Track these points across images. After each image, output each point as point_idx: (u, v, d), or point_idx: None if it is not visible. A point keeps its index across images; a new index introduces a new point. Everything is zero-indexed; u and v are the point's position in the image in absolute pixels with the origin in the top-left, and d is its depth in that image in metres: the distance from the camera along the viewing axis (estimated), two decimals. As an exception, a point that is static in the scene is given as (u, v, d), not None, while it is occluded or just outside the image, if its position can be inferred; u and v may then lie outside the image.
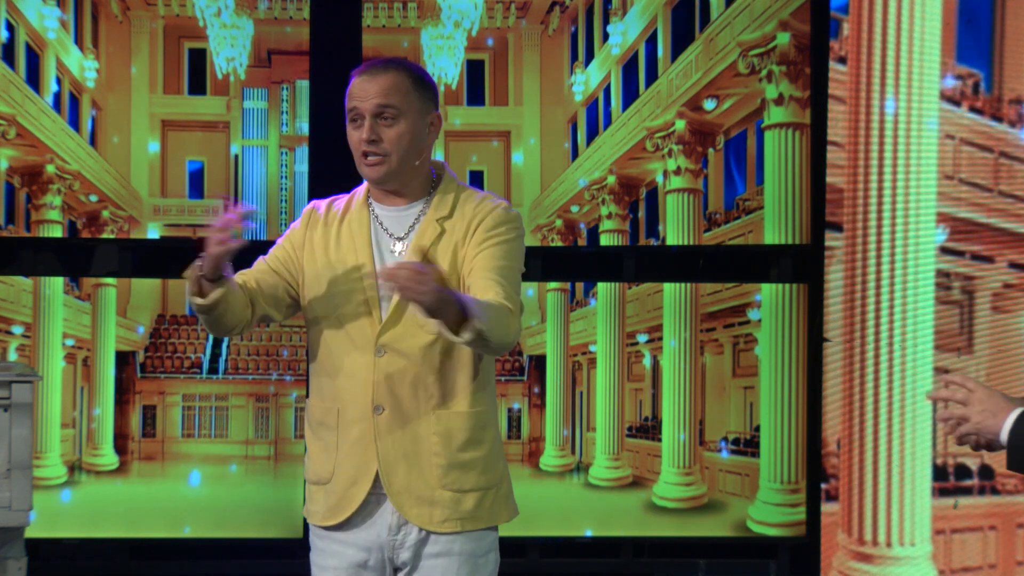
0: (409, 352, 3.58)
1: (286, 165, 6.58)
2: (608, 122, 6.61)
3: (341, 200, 3.74)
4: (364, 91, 3.60)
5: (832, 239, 6.39)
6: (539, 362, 6.64)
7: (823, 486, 6.42)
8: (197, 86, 6.55)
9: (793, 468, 6.54)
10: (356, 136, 3.62)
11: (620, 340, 6.61)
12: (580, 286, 6.65)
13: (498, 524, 3.69)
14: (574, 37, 6.63)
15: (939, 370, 6.36)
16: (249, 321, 3.67)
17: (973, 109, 6.38)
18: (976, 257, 6.41)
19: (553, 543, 6.60)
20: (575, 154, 6.62)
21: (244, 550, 6.55)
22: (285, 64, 6.56)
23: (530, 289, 6.57)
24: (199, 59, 6.53)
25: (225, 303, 3.57)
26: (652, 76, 6.59)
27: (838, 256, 6.39)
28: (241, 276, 3.69)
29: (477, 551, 3.66)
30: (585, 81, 6.62)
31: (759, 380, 6.55)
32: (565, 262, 6.67)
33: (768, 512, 6.55)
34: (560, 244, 6.63)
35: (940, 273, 6.38)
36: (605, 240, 6.63)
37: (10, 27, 6.40)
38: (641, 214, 6.63)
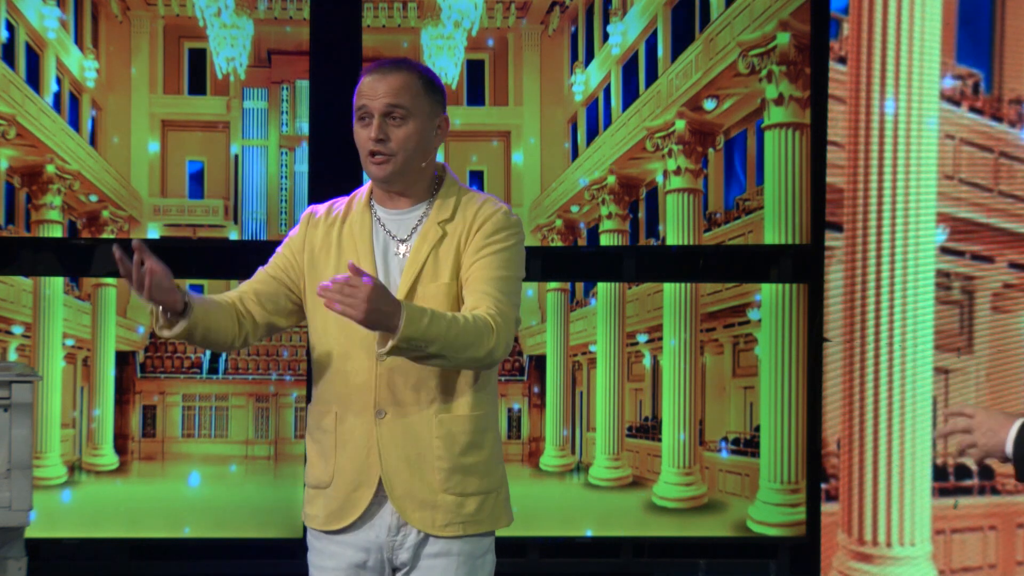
0: (411, 355, 3.58)
1: (286, 165, 6.58)
2: (608, 122, 6.61)
3: (340, 202, 3.73)
4: (374, 90, 3.59)
5: (832, 239, 6.39)
6: (539, 362, 6.64)
7: (823, 486, 6.42)
8: (197, 86, 6.54)
9: (793, 468, 6.54)
10: (364, 134, 3.61)
11: (620, 340, 6.61)
12: (580, 286, 6.65)
13: (497, 529, 3.69)
14: (574, 37, 6.63)
15: (939, 370, 6.37)
16: (250, 333, 3.64)
17: (973, 109, 6.38)
18: (976, 257, 6.41)
19: (553, 543, 6.60)
20: (575, 154, 6.62)
21: (244, 550, 6.55)
22: (285, 64, 6.56)
23: (530, 289, 6.57)
24: (199, 59, 6.53)
25: (203, 327, 3.54)
26: (652, 76, 6.59)
27: (838, 256, 6.39)
28: (238, 290, 3.68)
29: (476, 552, 3.66)
30: (585, 81, 6.62)
31: (759, 380, 6.55)
32: (565, 262, 6.67)
33: (768, 512, 6.55)
34: (560, 244, 6.63)
35: (940, 273, 6.38)
36: (605, 240, 6.63)
37: (10, 27, 6.40)
38: (641, 214, 6.63)
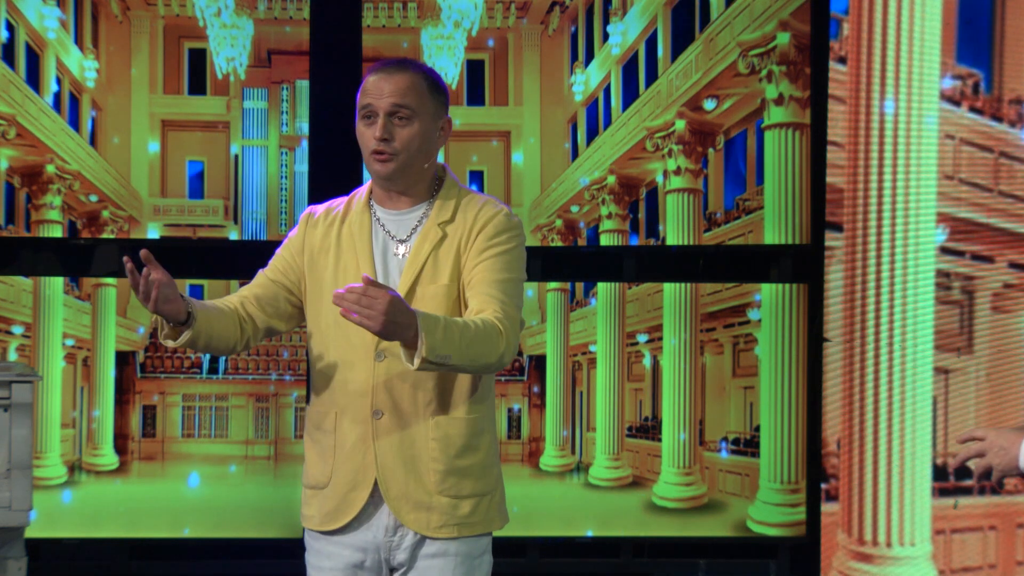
0: (409, 356, 3.57)
1: (286, 165, 6.58)
2: (608, 122, 6.61)
3: (339, 203, 3.72)
4: (380, 89, 3.59)
5: (832, 239, 6.39)
6: (539, 362, 6.64)
7: (823, 486, 6.42)
8: (197, 86, 6.54)
9: (793, 468, 6.54)
10: (368, 133, 3.60)
11: (620, 340, 6.61)
12: (580, 286, 6.64)
13: (492, 531, 3.69)
14: (574, 37, 6.63)
15: (939, 370, 6.37)
16: (251, 337, 3.64)
17: (973, 109, 6.38)
18: (976, 257, 6.41)
19: (553, 543, 6.60)
20: (575, 154, 6.62)
21: (244, 550, 6.55)
22: (285, 64, 6.56)
23: (530, 289, 6.57)
24: (199, 59, 6.53)
25: (206, 336, 3.55)
26: (652, 76, 6.59)
27: (838, 256, 6.39)
28: (239, 294, 3.68)
29: (473, 552, 3.66)
30: (585, 81, 6.62)
31: (759, 380, 6.55)
32: (565, 262, 6.67)
33: (768, 512, 6.55)
34: (560, 244, 6.63)
35: (940, 273, 6.38)
36: (605, 240, 6.63)
37: (10, 27, 6.40)
38: (641, 214, 6.63)
